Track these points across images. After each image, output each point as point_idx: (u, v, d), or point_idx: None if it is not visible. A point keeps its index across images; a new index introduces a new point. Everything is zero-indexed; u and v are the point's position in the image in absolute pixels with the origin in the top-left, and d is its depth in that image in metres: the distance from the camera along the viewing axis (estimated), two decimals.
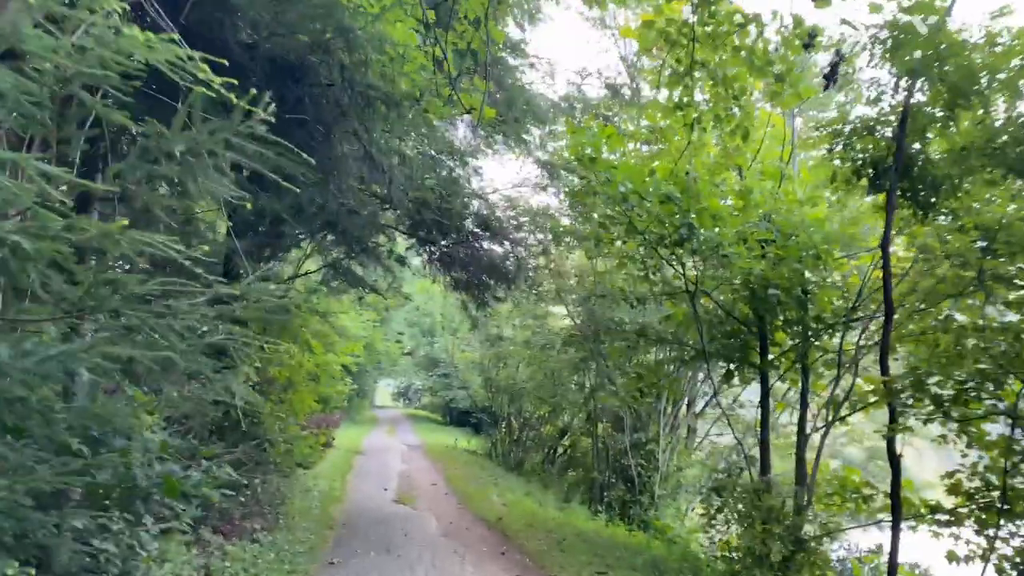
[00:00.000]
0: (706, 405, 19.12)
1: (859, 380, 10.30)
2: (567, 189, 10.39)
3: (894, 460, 7.63)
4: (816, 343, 10.89)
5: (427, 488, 14.80)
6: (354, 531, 9.89)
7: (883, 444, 18.68)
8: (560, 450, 24.48)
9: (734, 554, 9.72)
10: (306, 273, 13.89)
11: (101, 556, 5.33)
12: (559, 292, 19.53)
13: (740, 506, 9.96)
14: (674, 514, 17.04)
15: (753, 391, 20.07)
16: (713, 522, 10.09)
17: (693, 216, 9.09)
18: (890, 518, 8.99)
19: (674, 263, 9.97)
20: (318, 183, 7.94)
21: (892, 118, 7.63)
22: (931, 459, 21.89)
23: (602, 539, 10.28)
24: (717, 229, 9.22)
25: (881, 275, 10.35)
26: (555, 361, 19.41)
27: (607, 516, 15.99)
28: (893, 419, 7.64)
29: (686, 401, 18.12)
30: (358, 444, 25.12)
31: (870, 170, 7.82)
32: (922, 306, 9.32)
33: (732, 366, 11.34)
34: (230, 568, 7.21)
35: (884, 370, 7.57)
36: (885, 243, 7.23)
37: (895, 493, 7.70)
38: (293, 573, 7.39)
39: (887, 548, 9.79)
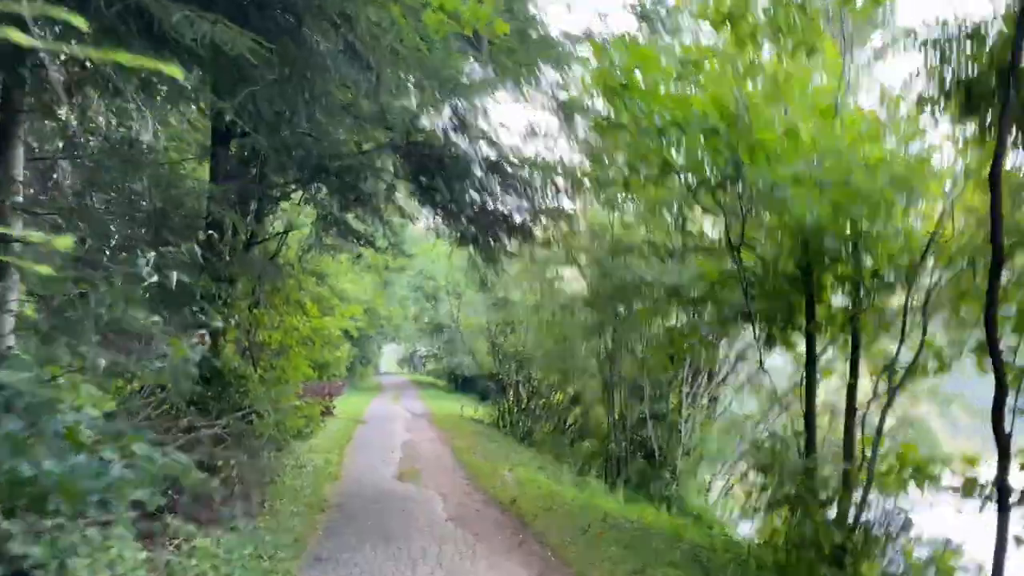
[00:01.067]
0: (728, 373, 17.90)
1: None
2: (594, 120, 9.00)
3: (1001, 437, 6.37)
4: (872, 302, 9.62)
5: (432, 461, 13.65)
6: (349, 516, 8.72)
7: (915, 413, 17.17)
8: (571, 419, 23.37)
9: (781, 541, 8.56)
10: (296, 228, 12.57)
11: (22, 562, 4.16)
12: (571, 252, 18.20)
13: (788, 487, 8.76)
14: (697, 488, 15.93)
15: (777, 359, 18.88)
16: (756, 504, 8.91)
17: (742, 153, 7.74)
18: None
19: (714, 210, 8.65)
20: (288, 89, 6.61)
21: (996, 25, 6.24)
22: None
23: (630, 525, 9.09)
24: (770, 168, 7.87)
25: (948, 227, 9.09)
26: (568, 326, 18.14)
27: (625, 491, 14.87)
28: (1002, 386, 6.34)
29: (707, 369, 16.89)
30: (360, 412, 24.05)
31: (964, 91, 6.45)
32: None
33: (774, 329, 10.07)
34: (196, 567, 6.03)
35: (991, 329, 6.27)
36: (995, 172, 5.89)
37: (1002, 475, 6.46)
38: (272, 573, 6.20)
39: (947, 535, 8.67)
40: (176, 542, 6.81)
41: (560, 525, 8.35)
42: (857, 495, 8.73)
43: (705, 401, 17.25)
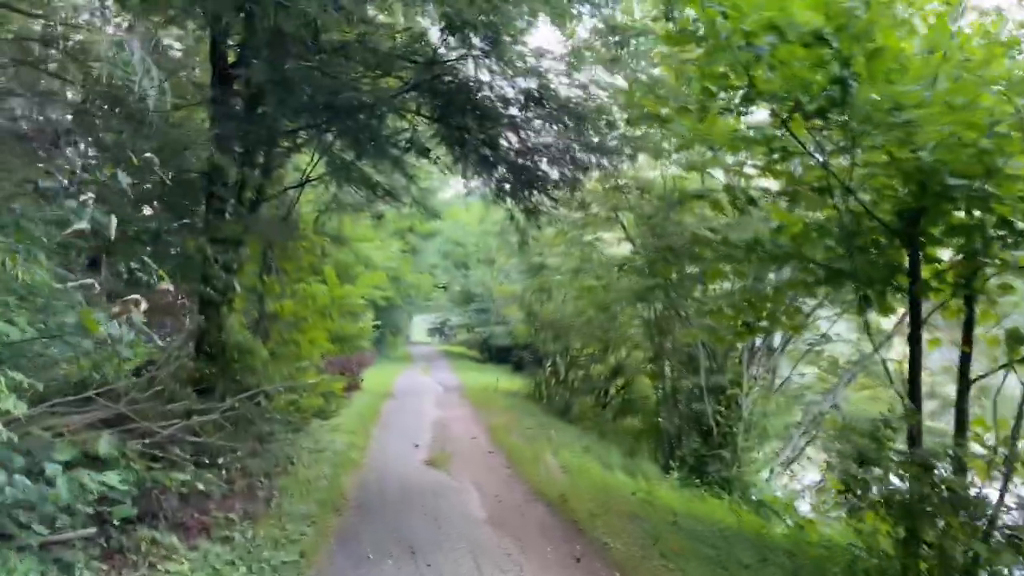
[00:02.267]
0: (787, 341, 16.22)
1: None
2: (664, 33, 7.35)
3: None
4: (994, 256, 7.93)
5: (466, 443, 12.28)
6: (369, 517, 7.35)
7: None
8: (612, 392, 21.91)
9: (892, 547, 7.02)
10: (309, 180, 11.10)
11: None
12: (615, 209, 16.57)
13: (898, 483, 7.20)
14: (760, 470, 14.39)
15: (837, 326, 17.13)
16: (858, 503, 7.35)
17: (855, 66, 6.06)
18: None
19: (813, 142, 6.99)
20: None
21: None
22: None
23: (705, 527, 7.58)
24: (888, 85, 6.18)
25: None
26: (610, 292, 16.56)
27: (680, 474, 13.40)
28: None
29: (766, 337, 15.24)
30: (389, 386, 22.81)
31: None
32: None
33: (871, 291, 8.41)
34: None
35: None
36: None
37: None
38: None
39: None
40: (150, 560, 5.49)
41: (623, 531, 6.87)
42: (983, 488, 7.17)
43: (762, 372, 15.63)
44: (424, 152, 8.79)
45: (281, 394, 10.11)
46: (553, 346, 22.34)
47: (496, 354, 38.04)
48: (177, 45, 11.01)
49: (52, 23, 9.28)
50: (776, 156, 7.34)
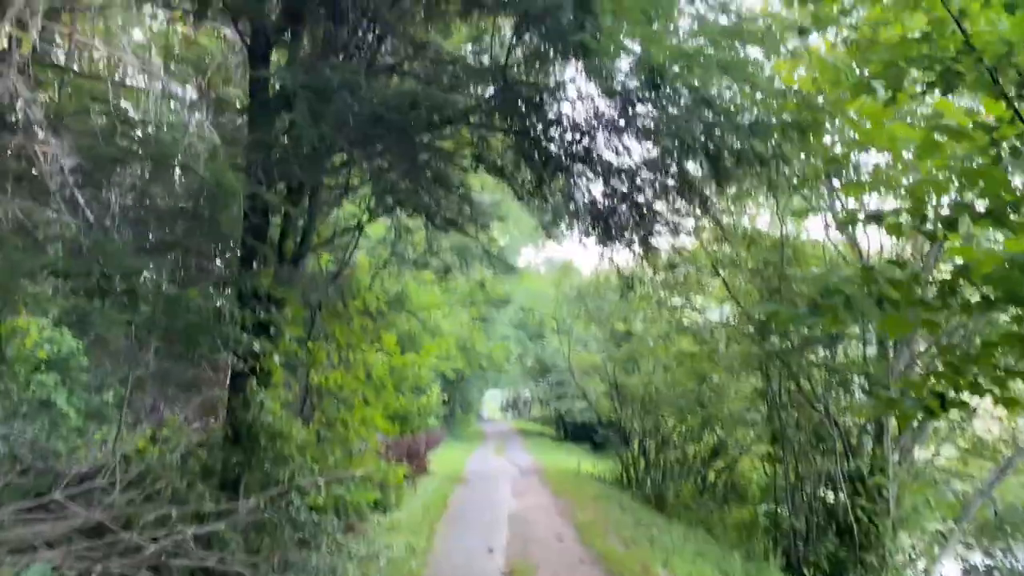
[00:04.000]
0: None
1: None
2: None
3: None
4: None
5: (552, 548, 9.99)
6: None
7: None
8: (711, 476, 19.21)
9: None
10: (361, 226, 9.37)
11: None
12: (715, 264, 14.38)
13: None
14: None
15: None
16: None
17: None
18: None
19: None
20: None
21: None
22: None
23: None
24: None
25: None
26: (716, 359, 14.21)
27: None
28: None
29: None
30: (459, 468, 20.65)
31: None
32: None
33: None
34: None
35: None
36: None
37: None
38: None
39: None
40: None
41: None
42: None
43: (904, 455, 12.90)
44: (497, 170, 6.91)
45: (323, 488, 8.14)
46: (641, 423, 19.91)
47: (573, 431, 35.51)
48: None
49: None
50: (1005, 153, 5.16)
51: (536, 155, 6.41)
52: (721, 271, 14.34)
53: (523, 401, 54.48)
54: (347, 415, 9.18)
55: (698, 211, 8.97)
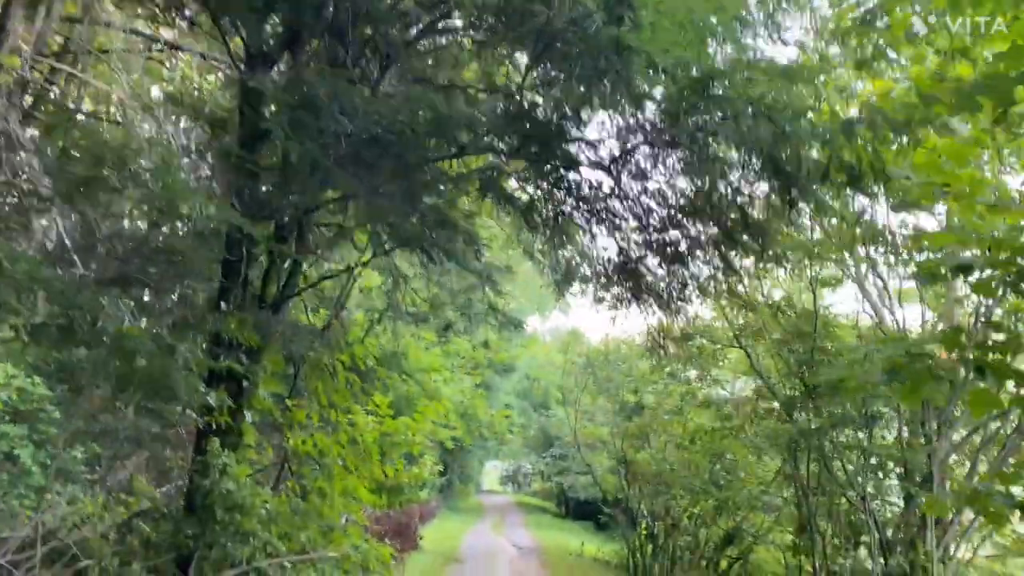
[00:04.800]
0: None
1: None
2: None
3: None
4: None
5: None
6: None
7: None
8: (723, 564, 17.74)
9: None
10: (351, 269, 8.50)
11: None
12: (737, 334, 13.40)
13: None
14: None
15: None
16: None
17: None
18: None
19: None
20: None
21: None
22: None
23: None
24: None
25: None
26: (744, 438, 13.09)
27: None
28: None
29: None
30: (454, 546, 19.28)
31: None
32: None
33: None
34: None
35: None
36: None
37: None
38: None
39: None
40: None
41: None
42: None
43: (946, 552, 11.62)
44: (505, 199, 6.03)
45: (290, 570, 7.02)
46: (650, 503, 18.56)
47: (576, 508, 33.86)
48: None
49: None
50: None
51: (554, 189, 5.54)
52: (742, 341, 13.35)
53: (523, 474, 52.68)
54: (326, 484, 8.10)
55: (724, 273, 8.11)
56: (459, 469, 33.43)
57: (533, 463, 45.53)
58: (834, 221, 10.74)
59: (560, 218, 7.30)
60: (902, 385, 4.81)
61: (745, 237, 6.94)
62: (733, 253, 8.34)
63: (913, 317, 12.45)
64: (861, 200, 12.21)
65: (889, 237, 10.50)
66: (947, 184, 5.17)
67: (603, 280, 11.16)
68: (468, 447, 27.73)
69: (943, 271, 4.78)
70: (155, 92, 10.14)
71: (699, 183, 5.47)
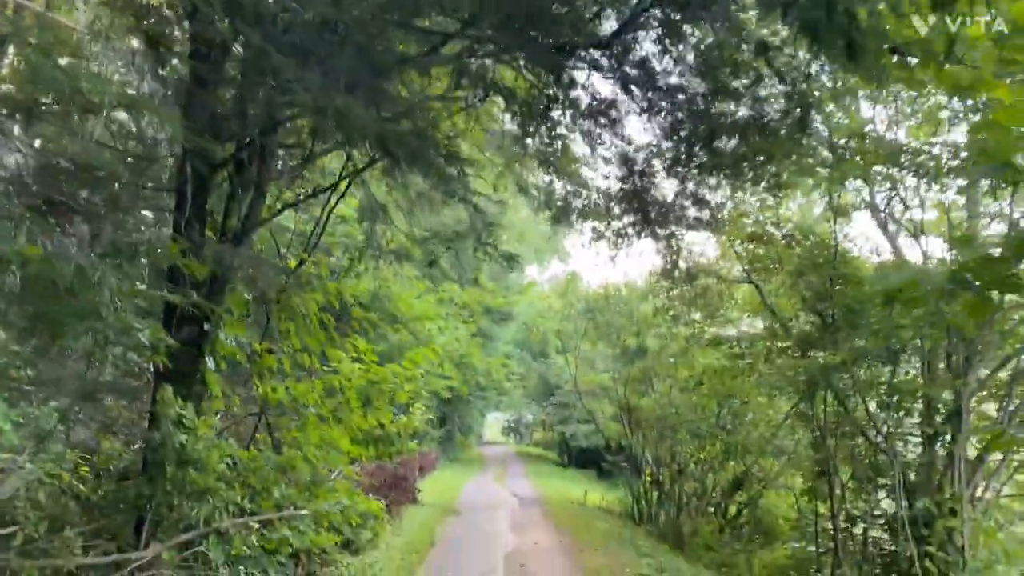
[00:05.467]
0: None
1: None
2: None
3: None
4: None
5: None
6: None
7: None
8: (732, 511, 17.18)
9: None
10: (323, 191, 7.61)
11: None
12: (748, 270, 12.56)
13: None
14: None
15: None
16: None
17: None
18: None
19: None
20: None
21: None
22: None
23: None
24: None
25: None
26: (758, 377, 12.33)
27: None
28: None
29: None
30: (453, 496, 18.71)
31: None
32: None
33: None
34: None
35: None
36: None
37: None
38: None
39: None
40: None
41: None
42: None
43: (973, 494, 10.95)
44: (489, 86, 5.08)
45: (258, 530, 6.28)
46: (655, 450, 17.94)
47: (578, 457, 33.49)
48: None
49: None
50: None
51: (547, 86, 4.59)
52: (753, 277, 12.51)
53: (524, 424, 52.44)
54: (300, 435, 7.33)
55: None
56: (459, 420, 32.92)
57: (534, 413, 45.18)
58: (851, 144, 9.83)
59: (554, 129, 6.39)
60: (969, 298, 3.95)
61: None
62: (747, 167, 7.48)
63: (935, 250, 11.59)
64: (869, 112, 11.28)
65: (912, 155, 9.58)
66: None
67: (605, 210, 10.22)
68: (466, 398, 27.13)
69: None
70: None
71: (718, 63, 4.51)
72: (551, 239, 39.17)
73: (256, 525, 6.04)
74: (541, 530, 13.55)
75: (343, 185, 7.99)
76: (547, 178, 9.69)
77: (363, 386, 9.21)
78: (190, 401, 6.37)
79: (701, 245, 15.72)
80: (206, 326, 6.52)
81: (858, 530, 10.74)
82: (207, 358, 6.62)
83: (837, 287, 9.99)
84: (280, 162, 7.51)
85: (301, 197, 7.27)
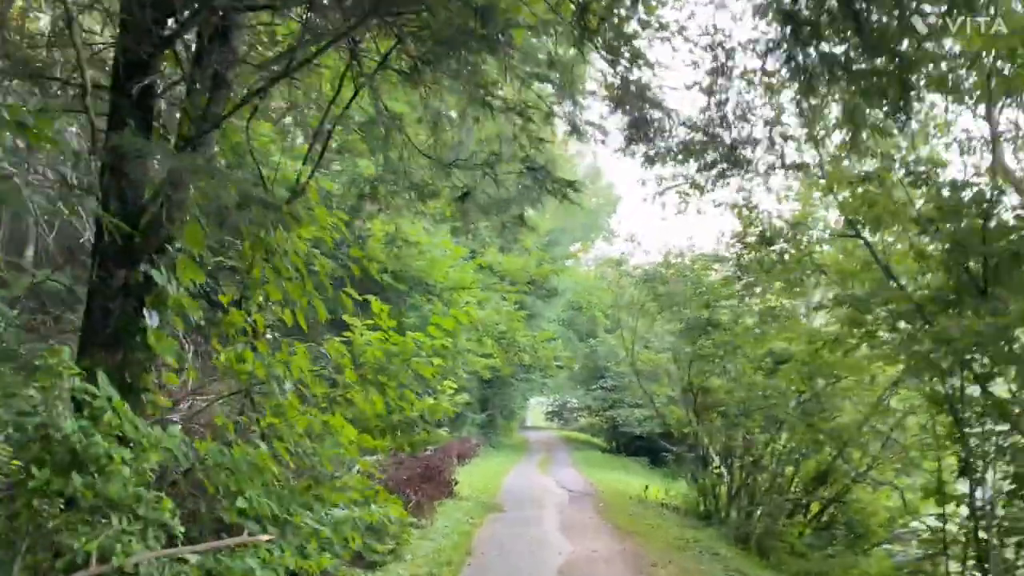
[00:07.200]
0: None
1: None
2: None
3: None
4: None
5: None
6: None
7: None
8: (814, 508, 14.85)
9: None
10: (297, 67, 5.57)
11: None
12: (853, 214, 10.21)
13: None
14: None
15: None
16: None
17: None
18: None
19: None
20: None
21: None
22: None
23: None
24: None
25: None
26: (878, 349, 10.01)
27: None
28: None
29: None
30: (494, 488, 16.74)
31: None
32: None
33: None
34: None
35: None
36: None
37: None
38: None
39: None
40: None
41: None
42: None
43: None
44: None
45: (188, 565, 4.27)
46: (725, 438, 15.67)
47: (627, 444, 31.25)
48: None
49: None
50: None
51: None
52: (860, 227, 10.15)
53: (569, 409, 50.38)
54: (278, 421, 5.30)
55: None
56: (502, 405, 30.96)
57: (580, 397, 43.02)
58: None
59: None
60: None
61: None
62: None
63: None
64: None
65: None
66: None
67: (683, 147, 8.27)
68: (507, 378, 25.05)
69: None
70: None
71: None
72: (600, 210, 36.93)
73: (166, 561, 3.99)
74: (598, 534, 11.43)
75: (348, 91, 5.95)
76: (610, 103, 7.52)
77: (378, 359, 7.21)
78: (126, 371, 4.46)
79: (782, 199, 13.37)
80: (146, 267, 4.60)
81: (1010, 546, 8.39)
82: (150, 313, 4.65)
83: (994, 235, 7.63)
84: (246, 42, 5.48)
85: (271, 77, 5.14)
